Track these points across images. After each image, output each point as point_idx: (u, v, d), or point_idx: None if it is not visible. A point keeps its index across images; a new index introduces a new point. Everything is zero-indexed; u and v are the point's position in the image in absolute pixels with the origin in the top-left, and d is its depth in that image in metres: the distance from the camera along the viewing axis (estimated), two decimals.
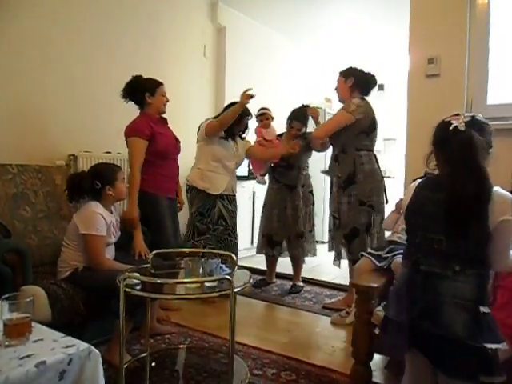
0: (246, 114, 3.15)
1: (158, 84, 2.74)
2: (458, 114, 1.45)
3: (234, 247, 3.21)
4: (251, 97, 2.82)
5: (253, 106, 3.45)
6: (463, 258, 1.37)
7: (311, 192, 3.55)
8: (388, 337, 1.47)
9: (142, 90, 2.69)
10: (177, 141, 2.86)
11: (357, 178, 2.83)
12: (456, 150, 1.40)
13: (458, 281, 1.35)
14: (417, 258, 1.45)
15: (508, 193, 1.38)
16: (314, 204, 3.57)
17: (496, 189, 1.37)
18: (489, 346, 1.27)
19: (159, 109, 2.75)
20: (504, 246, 1.38)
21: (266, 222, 3.53)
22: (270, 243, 3.50)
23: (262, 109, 3.53)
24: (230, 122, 3.02)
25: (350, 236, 2.87)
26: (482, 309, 1.33)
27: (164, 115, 2.82)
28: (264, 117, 3.49)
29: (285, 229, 3.44)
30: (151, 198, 2.66)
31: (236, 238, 3.29)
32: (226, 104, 3.40)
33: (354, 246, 2.85)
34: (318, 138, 3.09)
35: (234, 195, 3.31)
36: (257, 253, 3.69)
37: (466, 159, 1.37)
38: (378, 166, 2.92)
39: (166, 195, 2.76)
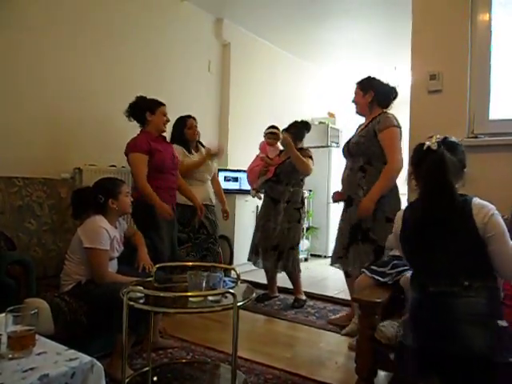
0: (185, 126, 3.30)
1: (160, 104, 2.85)
2: (431, 136, 1.50)
3: (217, 256, 3.32)
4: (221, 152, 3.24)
5: (259, 121, 3.47)
6: (470, 272, 1.36)
7: (298, 209, 3.48)
8: (404, 365, 1.44)
9: (143, 109, 2.81)
10: (174, 157, 2.95)
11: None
12: (428, 168, 1.47)
13: (469, 296, 1.33)
14: (423, 281, 1.45)
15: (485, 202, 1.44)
16: (300, 222, 3.52)
17: (474, 198, 1.43)
18: None
19: (158, 127, 2.85)
20: (503, 247, 1.38)
21: (254, 231, 3.64)
22: (255, 252, 3.56)
23: (273, 127, 3.54)
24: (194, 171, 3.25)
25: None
26: (500, 323, 1.30)
27: (164, 134, 2.89)
28: (273, 136, 3.51)
29: (264, 240, 3.50)
30: (148, 208, 2.73)
31: (219, 247, 3.38)
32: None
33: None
34: (399, 169, 2.67)
35: (213, 205, 3.40)
36: (247, 260, 3.67)
37: (437, 177, 1.44)
38: None
39: None
